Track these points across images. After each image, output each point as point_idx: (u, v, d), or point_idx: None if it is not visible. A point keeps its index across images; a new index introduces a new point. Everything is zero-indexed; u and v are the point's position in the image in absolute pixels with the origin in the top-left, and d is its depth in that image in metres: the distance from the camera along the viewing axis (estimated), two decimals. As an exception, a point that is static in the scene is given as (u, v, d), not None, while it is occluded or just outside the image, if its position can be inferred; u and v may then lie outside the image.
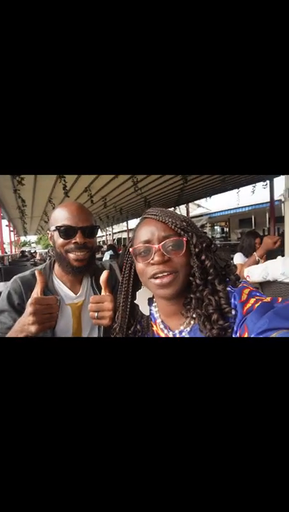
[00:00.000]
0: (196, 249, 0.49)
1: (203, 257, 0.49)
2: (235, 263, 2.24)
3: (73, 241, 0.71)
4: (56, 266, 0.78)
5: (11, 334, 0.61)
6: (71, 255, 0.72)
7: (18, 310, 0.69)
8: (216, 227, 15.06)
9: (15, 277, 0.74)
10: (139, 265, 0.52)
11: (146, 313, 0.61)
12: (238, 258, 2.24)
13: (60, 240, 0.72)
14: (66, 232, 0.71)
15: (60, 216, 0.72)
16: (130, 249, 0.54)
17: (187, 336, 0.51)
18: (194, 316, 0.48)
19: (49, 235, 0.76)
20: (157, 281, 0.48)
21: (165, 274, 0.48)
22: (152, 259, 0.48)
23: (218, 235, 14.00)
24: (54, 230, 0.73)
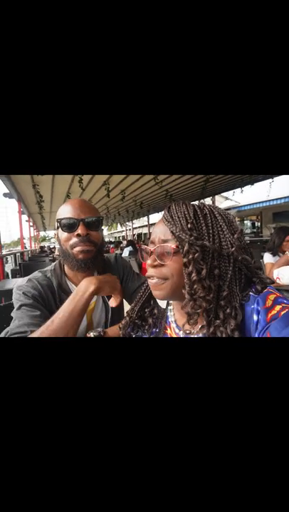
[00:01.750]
0: (184, 259, 0.45)
1: (190, 269, 0.45)
2: (264, 262, 2.14)
3: (76, 233, 0.72)
4: (66, 267, 0.79)
5: (59, 319, 0.63)
6: (76, 249, 0.73)
7: (40, 301, 0.71)
8: (245, 222, 14.45)
9: (29, 277, 0.75)
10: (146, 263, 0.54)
11: (164, 306, 0.62)
12: (267, 257, 2.14)
13: (63, 235, 0.73)
14: (68, 224, 0.72)
15: (62, 211, 0.75)
16: (137, 246, 0.57)
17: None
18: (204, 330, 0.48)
19: (55, 235, 0.78)
20: (150, 283, 0.52)
21: (154, 279, 0.50)
22: (148, 260, 0.51)
23: (248, 231, 13.43)
24: (58, 227, 0.74)
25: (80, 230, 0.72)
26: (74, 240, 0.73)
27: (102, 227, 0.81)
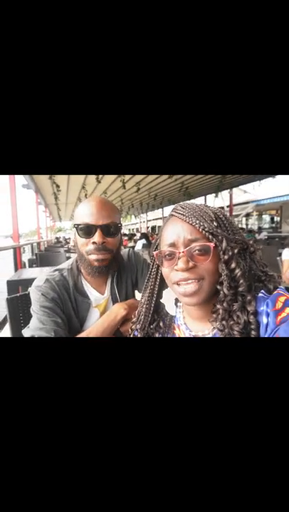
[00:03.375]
0: (226, 256, 0.45)
1: (233, 265, 0.45)
2: (283, 259, 2.06)
3: (92, 241, 0.71)
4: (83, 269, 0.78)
5: (94, 330, 0.70)
6: (91, 256, 0.72)
7: (59, 304, 0.71)
8: (264, 216, 13.99)
9: (47, 278, 0.74)
10: (164, 269, 0.51)
11: (173, 312, 0.61)
12: (286, 254, 2.06)
13: (80, 240, 0.72)
14: (84, 230, 0.71)
15: (80, 213, 0.72)
16: (154, 253, 0.53)
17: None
18: (220, 327, 0.47)
19: (73, 234, 0.77)
20: (181, 289, 0.48)
21: (190, 281, 0.47)
22: (176, 264, 0.47)
23: (266, 226, 13.00)
24: (75, 233, 0.74)
25: (96, 238, 0.70)
26: (90, 246, 0.71)
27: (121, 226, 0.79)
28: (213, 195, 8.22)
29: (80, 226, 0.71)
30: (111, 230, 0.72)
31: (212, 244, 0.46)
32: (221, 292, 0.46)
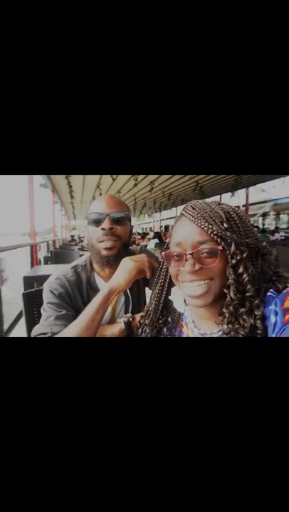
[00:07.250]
0: (233, 261, 0.44)
1: (240, 270, 0.44)
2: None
3: (101, 227, 0.76)
4: (94, 262, 0.82)
5: (88, 314, 0.64)
6: (100, 244, 0.76)
7: (66, 299, 0.74)
8: (282, 216, 13.51)
9: (58, 276, 0.77)
10: (172, 269, 0.51)
11: (182, 310, 0.62)
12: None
13: (90, 230, 0.78)
14: (95, 219, 0.76)
15: (91, 207, 0.79)
16: (163, 254, 0.53)
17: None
18: (226, 330, 0.46)
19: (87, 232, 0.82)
20: (188, 290, 0.48)
21: (196, 283, 0.47)
22: (183, 266, 0.47)
23: (284, 225, 12.54)
24: (88, 224, 0.78)
25: (104, 224, 0.75)
26: (99, 233, 0.76)
27: (131, 221, 0.83)
28: (229, 194, 8.04)
29: (90, 215, 0.77)
30: (119, 218, 0.77)
31: (220, 248, 0.45)
32: (228, 296, 0.45)
